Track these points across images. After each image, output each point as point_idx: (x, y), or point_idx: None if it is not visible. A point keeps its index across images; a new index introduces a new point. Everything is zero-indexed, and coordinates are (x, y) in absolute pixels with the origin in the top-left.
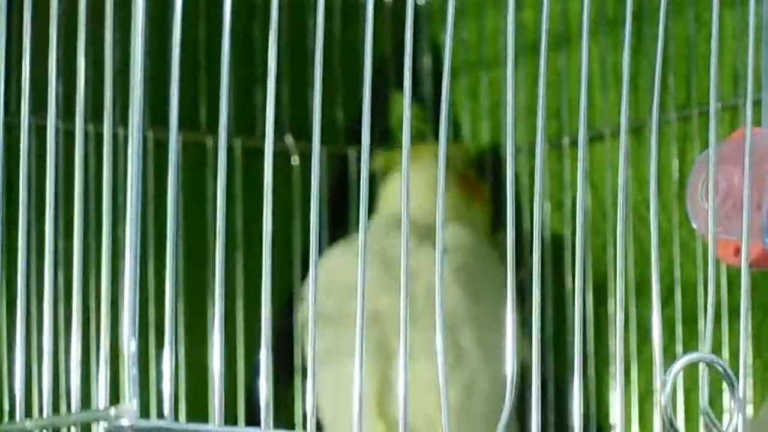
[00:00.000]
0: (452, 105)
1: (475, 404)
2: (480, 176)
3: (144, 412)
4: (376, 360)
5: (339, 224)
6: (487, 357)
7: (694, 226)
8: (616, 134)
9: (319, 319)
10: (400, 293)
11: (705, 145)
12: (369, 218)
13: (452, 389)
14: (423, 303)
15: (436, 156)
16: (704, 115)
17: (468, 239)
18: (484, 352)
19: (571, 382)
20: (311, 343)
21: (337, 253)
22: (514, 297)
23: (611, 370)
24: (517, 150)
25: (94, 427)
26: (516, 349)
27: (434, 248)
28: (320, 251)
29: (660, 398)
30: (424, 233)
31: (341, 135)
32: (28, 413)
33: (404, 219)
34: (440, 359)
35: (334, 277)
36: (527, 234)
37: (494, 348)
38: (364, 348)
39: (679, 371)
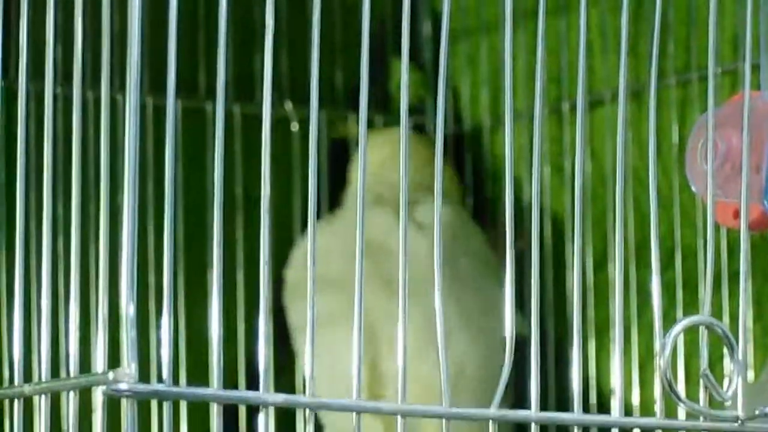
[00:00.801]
0: (451, 70)
1: (465, 382)
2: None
3: (144, 378)
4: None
5: (339, 190)
6: (473, 335)
7: (693, 189)
8: (616, 99)
9: (300, 293)
10: (378, 269)
11: (704, 109)
12: (348, 189)
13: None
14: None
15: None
16: (704, 79)
17: (448, 215)
18: (468, 330)
19: (572, 347)
20: (309, 309)
21: (320, 228)
22: (513, 266)
23: (611, 335)
24: (517, 115)
25: (93, 391)
26: (512, 319)
27: (412, 223)
28: (319, 217)
29: (659, 361)
30: (393, 203)
31: (341, 100)
32: (27, 378)
33: (403, 197)
34: (440, 341)
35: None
36: (527, 200)
37: (479, 324)
38: (349, 322)
39: (678, 334)
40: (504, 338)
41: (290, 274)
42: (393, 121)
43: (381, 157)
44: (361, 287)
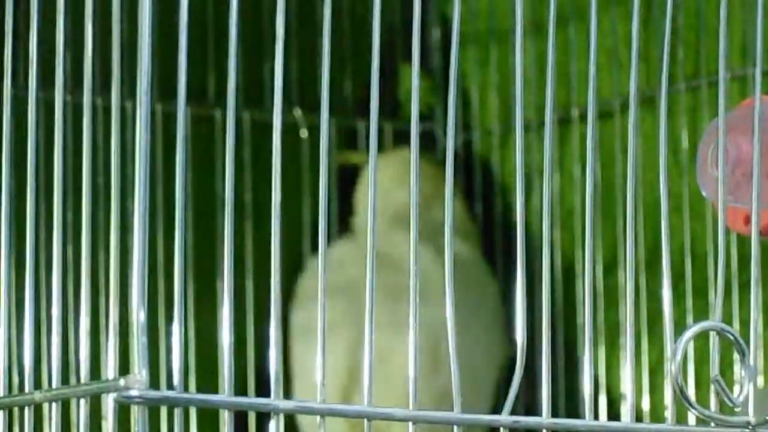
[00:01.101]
0: (461, 77)
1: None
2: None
3: (154, 385)
4: (347, 343)
5: (348, 198)
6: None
7: (704, 194)
8: (626, 106)
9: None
10: (387, 281)
11: (714, 115)
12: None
13: (426, 395)
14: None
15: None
16: (713, 85)
17: (466, 254)
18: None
19: (581, 352)
20: (320, 313)
21: (342, 241)
22: (524, 276)
23: (621, 340)
24: (527, 122)
25: (103, 398)
26: (502, 339)
27: (432, 247)
28: (329, 225)
29: (671, 367)
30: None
31: (350, 107)
32: (37, 385)
33: (413, 211)
34: (452, 352)
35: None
36: (537, 208)
37: (470, 355)
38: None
39: (690, 339)
40: (488, 356)
41: (307, 278)
42: (402, 128)
43: (388, 178)
44: (372, 296)
